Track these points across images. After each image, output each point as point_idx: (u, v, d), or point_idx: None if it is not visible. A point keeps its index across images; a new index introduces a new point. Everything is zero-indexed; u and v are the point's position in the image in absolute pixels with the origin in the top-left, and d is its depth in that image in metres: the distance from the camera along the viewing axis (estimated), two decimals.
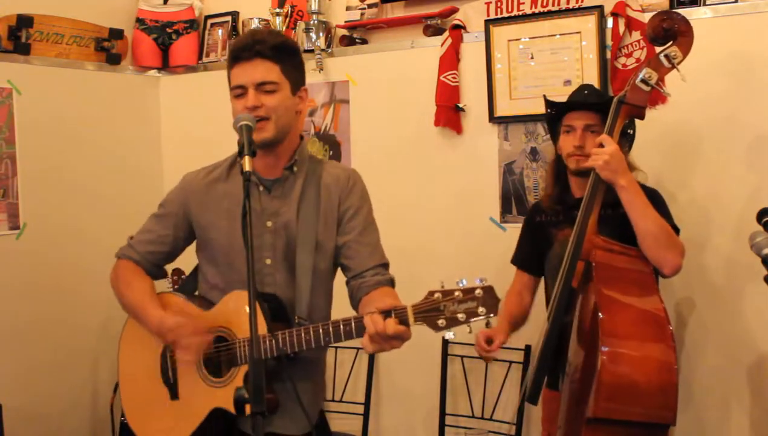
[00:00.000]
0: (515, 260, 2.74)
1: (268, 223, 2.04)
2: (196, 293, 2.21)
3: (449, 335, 1.70)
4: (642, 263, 2.25)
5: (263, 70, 1.96)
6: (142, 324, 2.09)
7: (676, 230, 2.33)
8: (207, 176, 2.14)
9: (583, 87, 2.62)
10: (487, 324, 1.70)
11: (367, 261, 2.06)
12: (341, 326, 1.83)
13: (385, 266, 2.10)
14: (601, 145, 2.26)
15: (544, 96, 2.63)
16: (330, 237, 2.07)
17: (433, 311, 1.70)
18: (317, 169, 2.10)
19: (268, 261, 2.04)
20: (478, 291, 1.68)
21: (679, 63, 2.24)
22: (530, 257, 2.68)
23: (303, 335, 1.88)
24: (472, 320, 1.68)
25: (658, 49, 2.29)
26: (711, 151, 2.82)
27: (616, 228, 2.29)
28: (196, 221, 2.12)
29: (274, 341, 1.89)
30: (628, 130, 2.51)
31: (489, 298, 1.69)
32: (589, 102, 2.48)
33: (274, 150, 2.03)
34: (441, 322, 1.69)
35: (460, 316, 1.68)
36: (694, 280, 2.80)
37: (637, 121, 2.46)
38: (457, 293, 1.69)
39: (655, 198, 2.36)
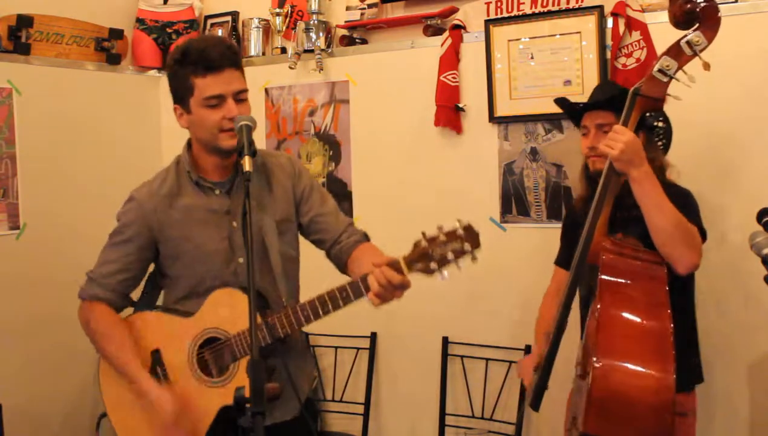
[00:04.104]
0: (556, 260, 2.67)
1: (234, 223, 2.07)
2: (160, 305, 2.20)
3: (444, 274, 1.82)
4: (656, 269, 2.13)
5: (237, 78, 1.99)
6: (127, 382, 2.07)
7: (703, 233, 2.23)
8: (159, 191, 2.12)
9: (602, 84, 2.55)
10: (473, 259, 1.84)
11: (337, 226, 2.17)
12: (337, 293, 1.88)
13: (352, 224, 2.21)
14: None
15: (564, 99, 2.55)
16: (290, 222, 2.14)
17: (423, 257, 1.82)
18: (260, 161, 2.13)
19: (241, 260, 2.06)
20: (459, 231, 1.82)
21: (702, 50, 2.05)
22: (568, 255, 2.55)
23: (300, 312, 1.92)
24: (461, 257, 1.82)
25: (681, 34, 2.12)
26: (714, 150, 2.82)
27: (643, 229, 2.18)
28: (163, 238, 2.10)
29: (275, 324, 1.92)
30: (656, 124, 2.38)
31: (470, 234, 1.83)
32: (593, 102, 2.41)
33: (231, 154, 2.05)
34: (432, 265, 1.82)
35: (449, 256, 1.81)
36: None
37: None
38: (441, 237, 1.82)
39: (683, 197, 2.26)
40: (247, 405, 1.46)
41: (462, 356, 3.36)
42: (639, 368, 1.97)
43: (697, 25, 2.08)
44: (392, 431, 3.58)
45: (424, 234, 1.83)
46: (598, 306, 2.07)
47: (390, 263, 1.81)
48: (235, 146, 1.95)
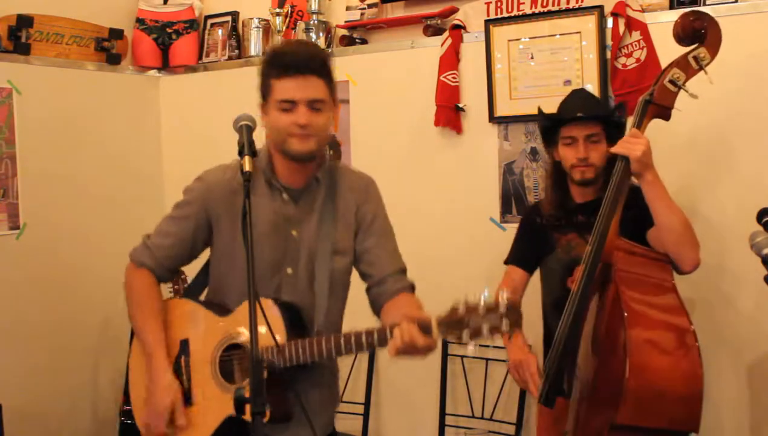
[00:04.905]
0: (511, 260, 2.71)
1: (293, 232, 2.04)
2: (203, 296, 2.19)
3: (471, 348, 1.71)
4: (663, 268, 2.22)
5: (316, 87, 1.93)
6: (143, 350, 2.07)
7: None
8: (230, 184, 2.07)
9: (576, 94, 2.58)
10: (510, 336, 1.74)
11: (387, 267, 2.08)
12: (364, 337, 1.83)
13: (404, 271, 2.12)
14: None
15: (539, 108, 2.61)
16: (347, 245, 2.08)
17: (457, 324, 1.71)
18: (335, 176, 2.10)
19: (290, 270, 2.03)
20: (501, 306, 1.69)
21: (706, 65, 2.20)
22: (529, 256, 2.65)
23: (324, 344, 1.87)
24: (496, 334, 1.69)
25: (685, 49, 2.25)
26: (714, 151, 2.83)
27: (627, 230, 2.25)
28: (218, 228, 2.08)
29: (294, 350, 1.88)
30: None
31: (513, 312, 1.68)
32: (590, 116, 2.45)
33: (309, 162, 2.02)
34: (465, 335, 1.71)
35: (484, 330, 1.69)
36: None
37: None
38: (480, 308, 1.70)
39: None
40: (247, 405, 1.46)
41: (462, 356, 3.36)
42: (670, 360, 2.06)
43: (697, 44, 2.21)
44: (392, 431, 3.57)
45: (466, 301, 1.73)
46: (623, 304, 2.10)
47: (420, 322, 1.74)
48: (304, 152, 1.95)
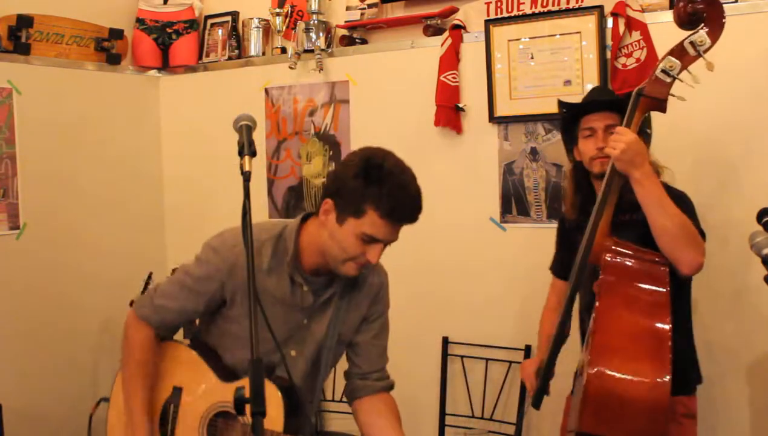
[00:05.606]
0: (552, 270, 2.67)
1: (305, 320, 2.04)
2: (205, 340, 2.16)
3: None
4: (655, 268, 2.12)
5: (398, 234, 1.91)
6: (126, 404, 2.04)
7: (702, 234, 2.21)
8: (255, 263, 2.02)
9: (596, 89, 2.55)
10: None
11: (375, 363, 2.15)
12: None
13: (386, 365, 2.20)
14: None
15: (559, 100, 2.54)
16: (350, 335, 2.12)
17: None
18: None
19: (293, 353, 2.04)
20: None
21: (705, 51, 2.05)
22: (565, 263, 2.55)
23: None
24: None
25: (683, 35, 2.12)
26: (715, 150, 2.83)
27: (636, 233, 2.19)
28: (233, 303, 2.02)
29: None
30: (647, 130, 2.41)
31: None
32: (608, 100, 2.39)
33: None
34: None
35: None
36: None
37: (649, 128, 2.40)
38: None
39: (677, 199, 2.22)
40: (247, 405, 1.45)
41: (462, 356, 3.36)
42: (634, 368, 1.96)
43: (701, 25, 2.08)
44: None
45: None
46: (597, 306, 2.06)
47: None
48: (352, 277, 1.96)
